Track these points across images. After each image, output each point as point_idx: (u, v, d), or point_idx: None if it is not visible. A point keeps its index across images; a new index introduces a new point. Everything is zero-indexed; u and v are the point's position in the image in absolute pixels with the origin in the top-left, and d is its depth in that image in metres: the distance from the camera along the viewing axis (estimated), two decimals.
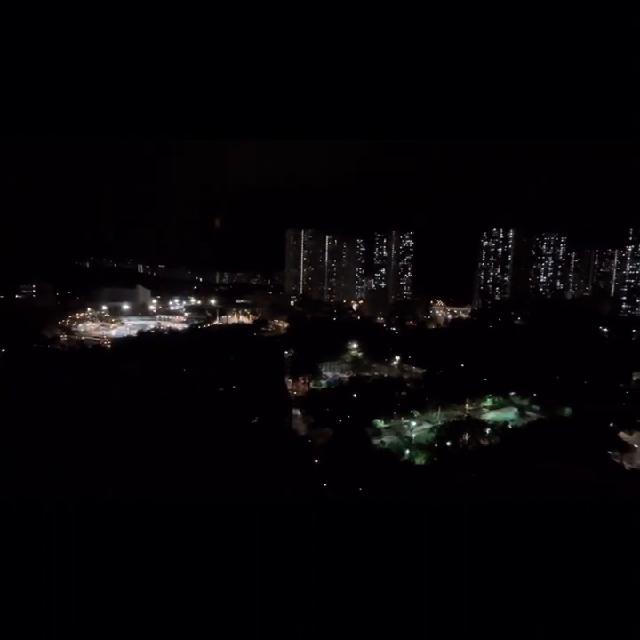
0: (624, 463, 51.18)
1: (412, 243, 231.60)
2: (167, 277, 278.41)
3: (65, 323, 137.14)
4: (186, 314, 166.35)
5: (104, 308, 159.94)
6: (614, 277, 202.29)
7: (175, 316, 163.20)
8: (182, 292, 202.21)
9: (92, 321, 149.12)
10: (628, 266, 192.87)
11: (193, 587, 4.12)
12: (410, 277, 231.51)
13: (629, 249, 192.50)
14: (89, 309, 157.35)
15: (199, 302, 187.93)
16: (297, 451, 47.44)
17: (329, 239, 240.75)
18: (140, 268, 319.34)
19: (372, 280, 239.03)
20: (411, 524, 4.30)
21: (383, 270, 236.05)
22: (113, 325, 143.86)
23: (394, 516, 4.39)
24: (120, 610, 4.06)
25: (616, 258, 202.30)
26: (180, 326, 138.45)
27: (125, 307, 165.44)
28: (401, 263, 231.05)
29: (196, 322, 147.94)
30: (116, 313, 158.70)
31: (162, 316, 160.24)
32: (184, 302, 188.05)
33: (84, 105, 4.63)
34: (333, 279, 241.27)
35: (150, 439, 41.56)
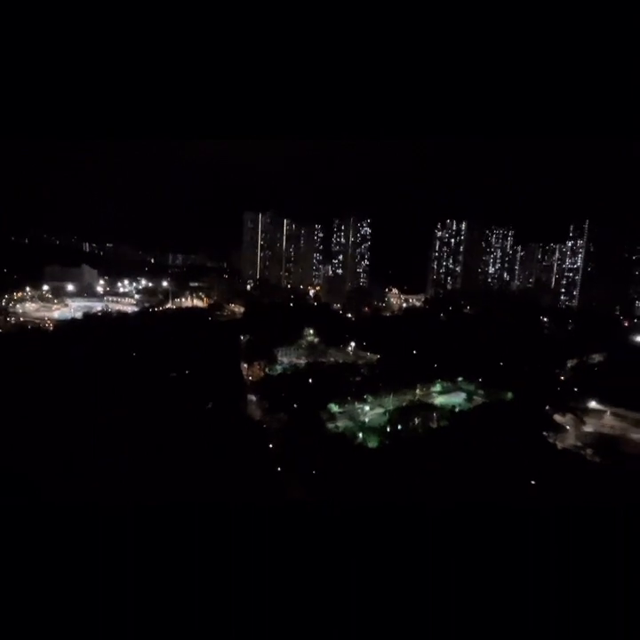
0: (557, 443, 55.34)
1: (369, 231, 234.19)
2: (116, 257, 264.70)
3: (0, 303, 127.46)
4: (136, 296, 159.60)
5: (45, 287, 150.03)
6: (555, 271, 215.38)
7: (125, 297, 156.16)
8: (132, 272, 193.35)
9: (32, 301, 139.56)
10: (568, 260, 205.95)
11: (188, 590, 4.04)
12: (366, 265, 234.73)
13: (569, 244, 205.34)
14: (28, 289, 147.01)
15: (151, 284, 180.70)
16: (251, 436, 47.33)
17: (287, 224, 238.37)
18: (86, 247, 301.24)
19: (330, 266, 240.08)
20: (406, 527, 4.38)
21: (341, 257, 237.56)
22: (55, 307, 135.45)
23: (388, 520, 4.45)
24: (115, 612, 3.93)
25: (557, 252, 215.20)
26: (129, 309, 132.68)
27: (69, 287, 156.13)
28: (358, 251, 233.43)
29: (147, 304, 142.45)
30: (58, 293, 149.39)
31: (110, 298, 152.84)
32: (134, 284, 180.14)
33: (84, 105, 4.61)
34: (291, 264, 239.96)
35: (96, 428, 39.86)
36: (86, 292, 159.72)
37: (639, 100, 4.09)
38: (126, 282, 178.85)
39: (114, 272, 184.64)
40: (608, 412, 67.90)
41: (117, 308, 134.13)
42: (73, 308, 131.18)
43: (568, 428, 62.04)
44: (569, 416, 65.10)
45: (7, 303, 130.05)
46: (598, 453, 51.89)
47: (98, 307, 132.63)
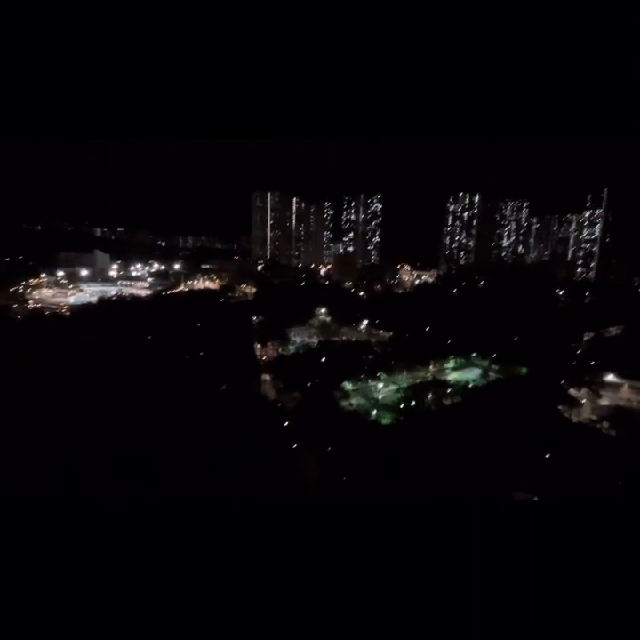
0: (572, 417, 55.09)
1: (380, 206, 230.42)
2: (127, 241, 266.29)
3: (17, 290, 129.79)
4: (149, 279, 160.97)
5: (60, 273, 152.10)
6: (572, 242, 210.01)
7: (137, 281, 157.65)
8: (144, 256, 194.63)
9: (48, 287, 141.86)
10: (585, 231, 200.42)
11: (189, 588, 4.15)
12: (377, 242, 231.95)
13: (586, 215, 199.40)
14: (43, 275, 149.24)
15: (162, 267, 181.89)
16: (266, 415, 48.11)
17: (296, 202, 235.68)
18: (98, 232, 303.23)
19: (340, 244, 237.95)
20: (410, 523, 4.40)
21: (351, 234, 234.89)
22: (71, 292, 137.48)
23: (392, 516, 4.48)
24: (114, 610, 4.06)
25: (574, 223, 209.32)
26: (143, 293, 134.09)
27: (83, 272, 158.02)
28: (369, 227, 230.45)
29: (159, 288, 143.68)
30: (73, 279, 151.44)
31: (123, 282, 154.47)
32: (146, 267, 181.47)
33: (84, 105, 4.63)
34: (301, 243, 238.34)
35: (117, 410, 40.90)
36: (100, 276, 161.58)
37: (639, 100, 3.98)
38: (138, 265, 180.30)
39: (126, 256, 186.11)
40: (625, 385, 67.10)
41: (131, 291, 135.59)
42: (88, 293, 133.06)
43: (584, 401, 61.59)
44: (585, 390, 64.55)
45: (24, 290, 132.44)
46: (614, 426, 51.55)
47: (112, 291, 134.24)
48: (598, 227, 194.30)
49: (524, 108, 4.34)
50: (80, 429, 35.60)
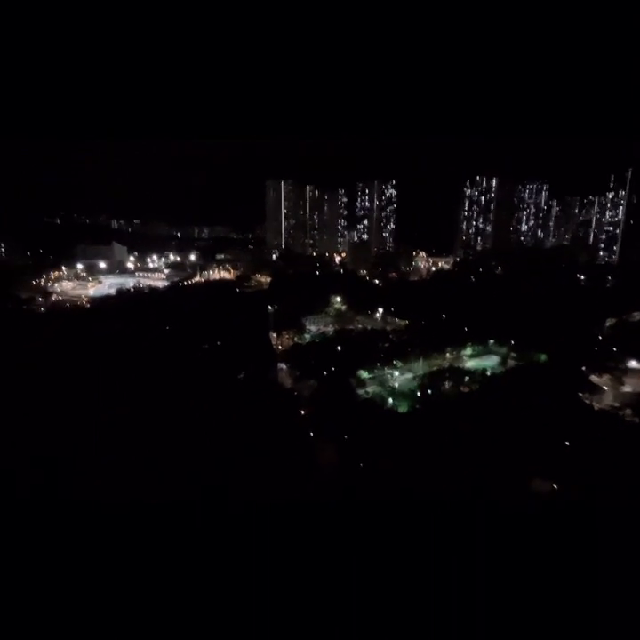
0: (593, 404, 54.13)
1: (394, 193, 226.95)
2: (143, 233, 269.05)
3: (39, 282, 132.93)
4: (166, 271, 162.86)
5: (79, 266, 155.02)
6: (594, 225, 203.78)
7: (155, 273, 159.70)
8: (160, 248, 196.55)
9: (69, 280, 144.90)
10: (608, 213, 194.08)
11: (189, 587, 4.27)
12: (392, 229, 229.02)
13: (610, 196, 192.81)
14: (64, 268, 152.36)
15: (178, 258, 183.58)
16: (283, 403, 48.62)
17: (310, 190, 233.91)
18: (114, 224, 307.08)
19: (355, 232, 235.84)
20: (409, 524, 4.46)
21: (365, 222, 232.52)
22: (91, 285, 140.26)
23: (392, 516, 4.55)
24: (115, 608, 4.20)
25: (596, 205, 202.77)
26: (160, 284, 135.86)
27: (102, 265, 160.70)
28: (383, 214, 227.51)
29: (176, 279, 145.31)
30: (92, 271, 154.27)
31: (141, 274, 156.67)
32: (163, 259, 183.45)
33: (84, 105, 4.78)
34: (315, 232, 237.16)
35: (139, 400, 41.89)
36: (118, 268, 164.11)
37: (639, 101, 3.81)
38: (155, 257, 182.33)
39: (142, 248, 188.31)
40: None
41: (148, 283, 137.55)
42: (107, 285, 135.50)
43: (605, 388, 60.38)
44: (607, 376, 63.23)
45: (46, 283, 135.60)
46: (637, 413, 50.51)
47: (130, 283, 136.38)
48: (621, 209, 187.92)
49: (524, 109, 4.23)
50: (104, 418, 36.62)
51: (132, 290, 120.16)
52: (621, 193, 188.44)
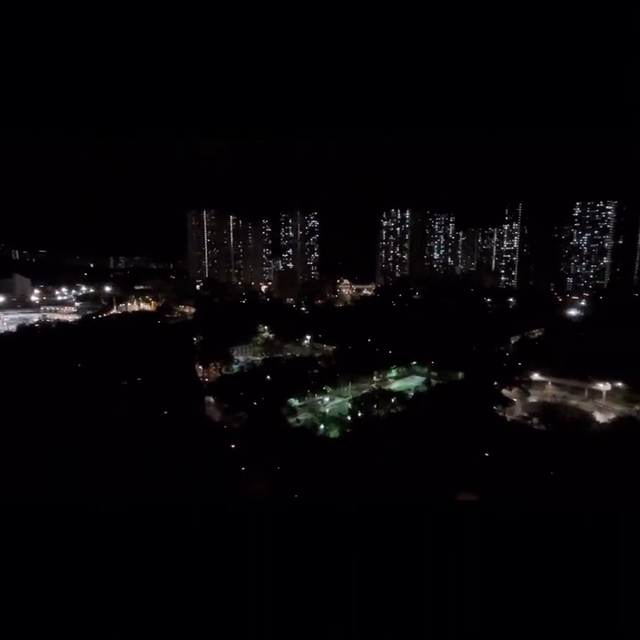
0: (506, 416, 58.77)
1: (317, 223, 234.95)
2: (50, 264, 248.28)
3: None
4: (77, 304, 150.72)
5: None
6: (494, 253, 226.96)
7: (64, 306, 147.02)
8: (70, 279, 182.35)
9: None
10: (505, 242, 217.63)
11: (185, 590, 3.93)
12: (316, 258, 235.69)
13: (505, 227, 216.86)
14: None
15: (92, 290, 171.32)
16: (211, 438, 46.43)
17: (233, 220, 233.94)
18: (16, 254, 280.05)
19: (280, 261, 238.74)
20: (409, 525, 4.41)
21: (290, 251, 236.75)
22: None
23: (391, 517, 4.48)
24: (110, 611, 3.80)
25: (495, 235, 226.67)
26: (70, 317, 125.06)
27: (0, 299, 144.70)
28: (307, 243, 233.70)
29: (89, 312, 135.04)
30: None
31: (47, 308, 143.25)
32: (74, 291, 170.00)
33: (84, 105, 4.62)
34: (240, 261, 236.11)
35: (51, 444, 37.45)
36: (19, 303, 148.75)
37: (639, 100, 4.17)
38: (64, 289, 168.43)
39: (50, 280, 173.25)
40: (549, 383, 73.00)
41: (56, 317, 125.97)
42: (5, 321, 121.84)
43: (515, 400, 66.01)
44: (515, 389, 69.26)
45: None
46: (543, 421, 55.63)
47: (34, 318, 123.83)
48: (516, 239, 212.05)
49: (524, 108, 4.47)
50: (5, 471, 32.10)
51: (35, 325, 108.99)
52: (514, 224, 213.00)
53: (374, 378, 75.10)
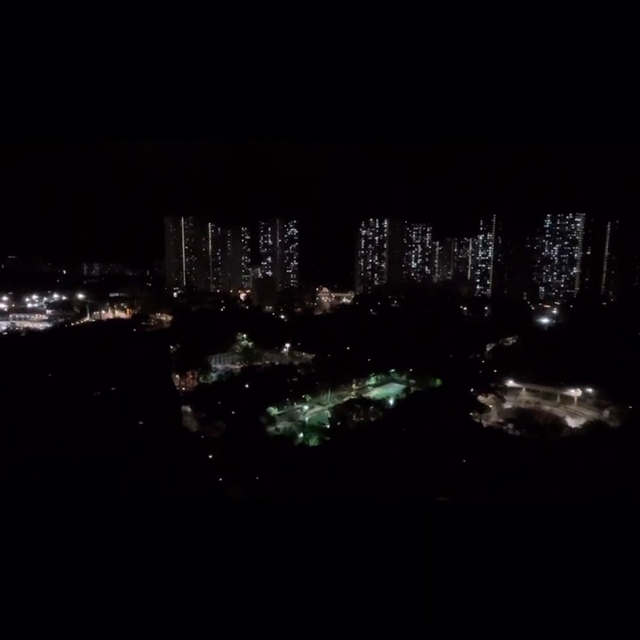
0: (482, 422, 59.74)
1: (296, 231, 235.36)
2: (20, 270, 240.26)
3: None
4: (48, 311, 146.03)
5: None
6: (470, 263, 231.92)
7: (34, 314, 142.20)
8: (41, 286, 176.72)
9: None
10: (480, 252, 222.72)
11: (183, 590, 3.82)
12: (295, 266, 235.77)
13: (480, 237, 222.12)
14: None
15: (64, 297, 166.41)
16: (187, 448, 45.46)
17: (212, 227, 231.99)
18: None
19: (259, 269, 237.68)
20: (408, 525, 4.36)
21: (269, 259, 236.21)
22: None
23: (391, 517, 4.43)
24: (108, 611, 3.68)
25: (471, 245, 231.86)
26: (41, 326, 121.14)
27: None
28: (286, 251, 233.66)
29: (61, 320, 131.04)
30: None
31: (16, 316, 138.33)
32: (45, 298, 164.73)
33: (84, 105, 4.50)
34: (218, 268, 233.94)
35: (20, 458, 35.87)
36: None
37: (639, 101, 4.22)
38: (35, 296, 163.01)
39: (19, 287, 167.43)
40: (523, 389, 74.69)
41: (26, 325, 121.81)
42: None
43: (491, 406, 67.21)
44: (491, 396, 70.55)
45: None
46: (518, 427, 56.78)
47: (2, 326, 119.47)
48: (491, 248, 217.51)
49: (525, 110, 4.51)
50: None
51: (3, 333, 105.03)
52: (489, 235, 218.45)
53: (353, 385, 75.25)
